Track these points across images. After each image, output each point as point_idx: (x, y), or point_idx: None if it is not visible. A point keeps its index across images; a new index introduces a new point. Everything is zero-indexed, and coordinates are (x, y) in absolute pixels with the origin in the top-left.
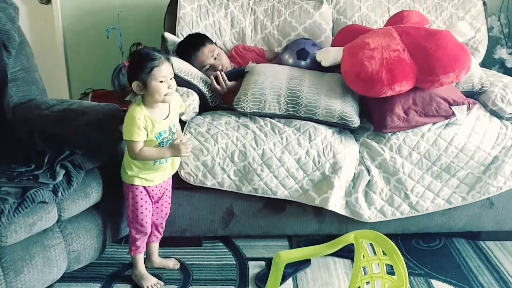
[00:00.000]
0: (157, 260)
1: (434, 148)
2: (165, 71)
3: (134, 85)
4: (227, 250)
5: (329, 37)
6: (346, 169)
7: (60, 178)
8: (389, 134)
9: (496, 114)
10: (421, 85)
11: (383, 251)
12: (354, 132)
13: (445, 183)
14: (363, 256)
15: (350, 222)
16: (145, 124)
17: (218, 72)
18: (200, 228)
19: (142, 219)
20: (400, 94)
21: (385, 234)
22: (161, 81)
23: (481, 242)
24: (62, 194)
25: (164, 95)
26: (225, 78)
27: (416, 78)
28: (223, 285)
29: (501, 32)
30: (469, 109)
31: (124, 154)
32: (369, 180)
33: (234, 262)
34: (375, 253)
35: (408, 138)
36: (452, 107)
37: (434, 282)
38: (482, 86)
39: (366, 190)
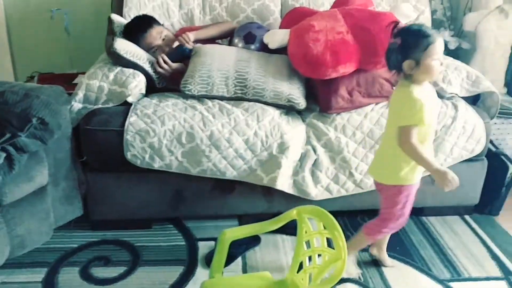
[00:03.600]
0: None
1: (377, 127)
2: (438, 48)
3: (406, 63)
4: (177, 232)
5: (278, 19)
6: (293, 149)
7: (0, 161)
8: (334, 114)
9: (437, 93)
10: (365, 66)
11: (324, 226)
12: (301, 113)
13: None
14: (306, 231)
15: (298, 201)
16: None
17: (159, 56)
18: (149, 210)
19: (405, 218)
20: (344, 76)
21: (331, 211)
22: (435, 59)
23: (424, 218)
24: (2, 178)
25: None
26: (167, 60)
27: (359, 60)
28: (173, 265)
29: (444, 15)
30: None
31: (386, 156)
32: (315, 159)
33: (184, 243)
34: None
35: (352, 118)
36: (394, 88)
37: None
38: None
39: (313, 169)
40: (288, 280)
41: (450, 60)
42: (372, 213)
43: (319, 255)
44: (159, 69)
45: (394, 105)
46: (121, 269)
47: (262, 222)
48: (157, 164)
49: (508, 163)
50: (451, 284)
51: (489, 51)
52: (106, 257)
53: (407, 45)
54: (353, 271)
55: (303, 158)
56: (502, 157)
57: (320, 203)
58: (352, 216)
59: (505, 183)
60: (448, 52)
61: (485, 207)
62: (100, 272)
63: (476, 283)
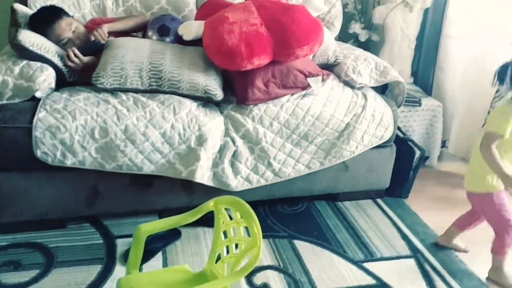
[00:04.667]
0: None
1: (293, 117)
2: None
3: None
4: (94, 230)
5: (193, 11)
6: (212, 141)
7: None
8: (251, 105)
9: (348, 84)
10: (279, 58)
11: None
12: (218, 105)
13: (304, 149)
14: (223, 222)
15: (219, 193)
16: None
17: (69, 49)
18: (63, 209)
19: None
20: (259, 68)
21: (252, 201)
22: None
23: (339, 203)
24: None
25: None
26: (78, 53)
27: (273, 51)
28: (90, 264)
29: (355, 8)
30: (323, 80)
31: (474, 165)
32: (234, 151)
33: (101, 241)
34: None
35: (269, 109)
36: (308, 79)
37: (296, 242)
38: (336, 59)
39: (232, 160)
40: (207, 271)
41: (359, 51)
42: (291, 200)
43: (236, 245)
44: (69, 63)
45: (490, 116)
46: (33, 273)
47: (178, 215)
48: (69, 161)
49: (415, 148)
50: (365, 264)
51: (396, 42)
52: (16, 261)
53: None
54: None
55: (222, 149)
56: (409, 142)
57: (240, 194)
58: (273, 205)
59: (413, 167)
60: (359, 44)
61: (395, 190)
62: (9, 278)
63: (388, 262)
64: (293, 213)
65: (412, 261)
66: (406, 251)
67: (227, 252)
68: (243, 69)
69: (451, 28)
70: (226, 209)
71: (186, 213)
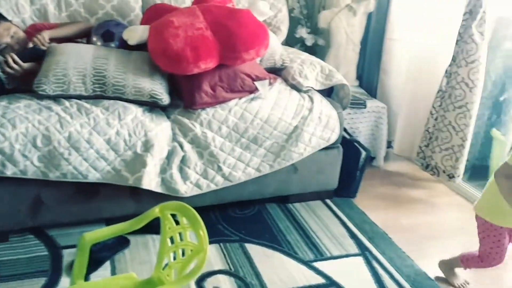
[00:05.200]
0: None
1: (241, 121)
2: None
3: None
4: (38, 242)
5: (139, 16)
6: (159, 146)
7: None
8: (199, 110)
9: (295, 87)
10: (225, 62)
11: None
12: (165, 110)
13: (254, 153)
14: (169, 228)
15: (168, 199)
16: None
17: (8, 55)
18: (4, 221)
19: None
20: (206, 72)
21: (203, 207)
22: None
23: (290, 205)
24: None
25: None
26: (17, 60)
27: (219, 55)
28: (33, 278)
29: (301, 13)
30: (271, 83)
31: (489, 192)
32: (183, 156)
33: (46, 252)
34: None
35: (217, 113)
36: (255, 82)
37: (248, 245)
38: (283, 63)
39: (181, 166)
40: (154, 278)
41: (305, 55)
42: (242, 204)
43: (183, 250)
44: (8, 69)
45: None
46: None
47: (123, 223)
48: (10, 171)
49: (361, 149)
50: (315, 264)
51: (341, 46)
52: None
53: None
54: None
55: (170, 155)
56: (355, 143)
57: (190, 199)
58: (224, 209)
59: (359, 167)
60: (305, 48)
61: (344, 190)
62: None
63: (337, 260)
64: (244, 216)
65: (360, 259)
66: (354, 249)
67: (175, 258)
68: (190, 73)
69: (393, 31)
70: (172, 214)
71: (131, 221)
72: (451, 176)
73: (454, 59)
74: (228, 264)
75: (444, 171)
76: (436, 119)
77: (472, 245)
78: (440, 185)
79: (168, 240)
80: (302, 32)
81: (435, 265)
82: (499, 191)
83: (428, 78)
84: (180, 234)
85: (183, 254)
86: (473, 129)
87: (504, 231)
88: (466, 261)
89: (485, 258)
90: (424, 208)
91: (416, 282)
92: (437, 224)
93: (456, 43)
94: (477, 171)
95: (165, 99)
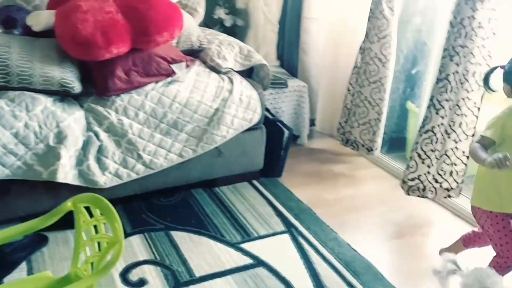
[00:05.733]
0: None
1: (159, 106)
2: None
3: (505, 88)
4: None
5: (45, 0)
6: (73, 137)
7: None
8: (114, 97)
9: (214, 69)
10: (139, 45)
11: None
12: (77, 98)
13: (175, 138)
14: (84, 221)
15: (87, 191)
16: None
17: None
18: None
19: None
20: (119, 56)
21: (125, 197)
22: None
23: (216, 188)
24: None
25: None
26: None
27: (132, 39)
28: None
29: None
30: (188, 66)
31: (477, 178)
32: (99, 146)
33: None
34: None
35: (132, 99)
36: (171, 65)
37: (173, 233)
38: (200, 44)
39: (98, 156)
40: (71, 274)
41: (223, 36)
42: (166, 192)
43: (100, 244)
44: None
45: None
46: None
47: (34, 220)
48: None
49: (284, 128)
50: (242, 245)
51: (260, 27)
52: None
53: (508, 70)
54: None
55: (85, 145)
56: (278, 123)
57: (112, 190)
58: (148, 198)
59: (283, 146)
60: (225, 29)
61: (269, 170)
62: None
63: (264, 240)
64: (169, 204)
65: (287, 236)
66: (281, 227)
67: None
68: (101, 58)
69: (310, 10)
70: (87, 207)
71: (42, 217)
72: (369, 150)
73: (366, 35)
74: (154, 254)
75: (363, 145)
76: (353, 95)
77: (391, 214)
78: (361, 159)
79: (84, 234)
80: (220, 13)
81: (358, 237)
82: (480, 164)
83: (345, 55)
84: (95, 226)
85: (100, 247)
86: (388, 103)
87: (507, 218)
88: (468, 244)
89: (500, 252)
90: (346, 182)
91: (340, 254)
92: (359, 196)
93: (368, 20)
94: (395, 143)
95: (76, 87)
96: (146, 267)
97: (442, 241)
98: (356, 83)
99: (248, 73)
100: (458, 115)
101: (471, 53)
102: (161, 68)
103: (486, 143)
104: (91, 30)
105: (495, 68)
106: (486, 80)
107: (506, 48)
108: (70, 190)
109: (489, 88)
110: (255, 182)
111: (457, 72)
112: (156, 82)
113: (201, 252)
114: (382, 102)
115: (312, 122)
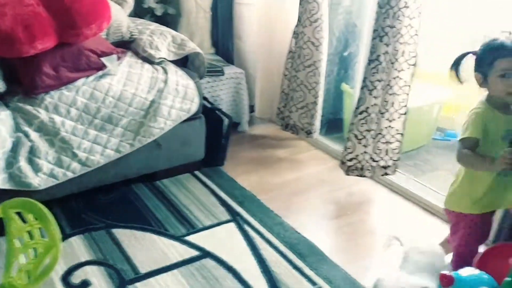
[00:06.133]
0: None
1: (92, 101)
2: (507, 64)
3: (477, 77)
4: None
5: None
6: (1, 139)
7: None
8: (42, 94)
9: (147, 60)
10: (66, 39)
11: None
12: (2, 98)
13: (110, 133)
14: (15, 228)
15: (20, 195)
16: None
17: None
18: None
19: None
20: (46, 52)
21: (63, 197)
22: (502, 75)
23: (158, 182)
24: None
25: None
26: None
27: (57, 33)
28: None
29: None
30: (119, 58)
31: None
32: (30, 146)
33: None
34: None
35: (63, 96)
36: (101, 59)
37: (115, 231)
38: (131, 35)
39: (30, 157)
40: (5, 285)
41: (154, 26)
42: (106, 189)
43: (35, 249)
44: None
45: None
46: None
47: None
48: None
49: (223, 116)
50: (187, 238)
51: (192, 14)
52: None
53: (479, 57)
54: None
55: (15, 147)
56: (217, 111)
57: (48, 191)
58: (87, 197)
59: (224, 134)
60: (156, 18)
61: (211, 159)
62: None
63: (209, 230)
64: (109, 201)
65: (232, 225)
66: (226, 216)
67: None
68: (25, 55)
69: None
70: (18, 213)
71: None
72: (309, 133)
73: (299, 19)
74: (96, 254)
75: (302, 129)
76: (289, 80)
77: (333, 194)
78: (302, 142)
79: (17, 241)
80: (151, 1)
81: (301, 219)
82: (484, 170)
83: (280, 40)
84: (29, 232)
85: (36, 253)
86: (324, 86)
87: (475, 219)
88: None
89: (458, 253)
90: (288, 166)
91: (285, 238)
92: (301, 179)
93: (300, 3)
94: (332, 124)
95: (0, 86)
96: (88, 268)
97: (382, 217)
98: (292, 67)
99: (183, 62)
100: (390, 94)
101: (400, 33)
102: (91, 62)
103: (470, 146)
104: (10, 25)
105: (466, 54)
106: (456, 67)
107: (431, 27)
108: (2, 195)
109: (458, 78)
110: (197, 172)
111: (387, 52)
112: (87, 76)
113: (145, 248)
114: (318, 85)
115: (252, 109)
